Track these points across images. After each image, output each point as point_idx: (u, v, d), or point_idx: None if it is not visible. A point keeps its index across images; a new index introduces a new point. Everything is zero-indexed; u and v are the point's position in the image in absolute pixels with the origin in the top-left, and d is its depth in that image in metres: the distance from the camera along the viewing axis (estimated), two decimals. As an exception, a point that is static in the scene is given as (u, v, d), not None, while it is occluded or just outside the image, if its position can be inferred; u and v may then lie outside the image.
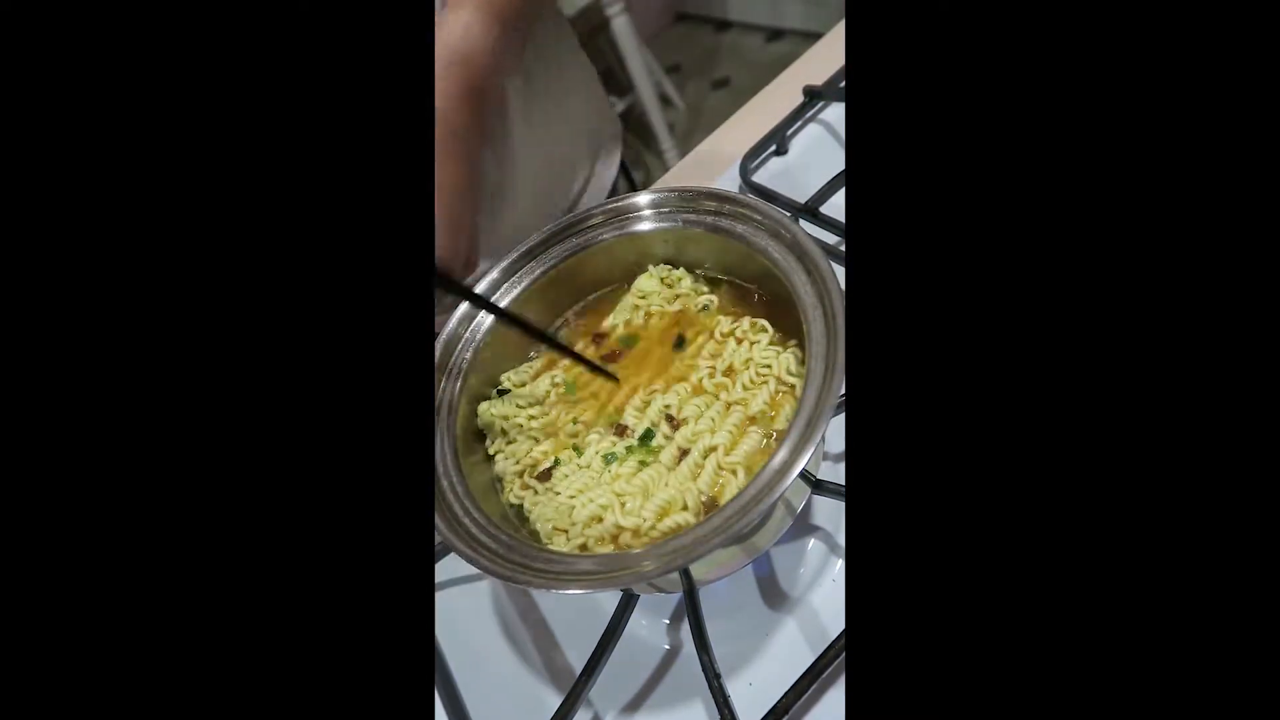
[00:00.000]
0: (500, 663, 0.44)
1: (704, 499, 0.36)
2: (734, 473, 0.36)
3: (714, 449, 0.36)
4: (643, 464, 0.37)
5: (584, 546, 0.36)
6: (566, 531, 0.36)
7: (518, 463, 0.40)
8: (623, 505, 0.36)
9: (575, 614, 0.44)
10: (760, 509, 0.31)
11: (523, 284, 0.43)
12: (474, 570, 0.33)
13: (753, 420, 0.37)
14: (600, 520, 0.36)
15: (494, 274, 0.43)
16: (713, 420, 0.37)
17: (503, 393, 0.42)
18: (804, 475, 0.32)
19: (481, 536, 0.34)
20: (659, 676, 0.41)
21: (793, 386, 0.37)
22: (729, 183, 0.59)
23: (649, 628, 0.42)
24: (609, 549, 0.35)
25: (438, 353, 0.41)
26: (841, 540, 0.42)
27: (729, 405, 0.38)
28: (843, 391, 0.33)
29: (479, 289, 0.43)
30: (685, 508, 0.35)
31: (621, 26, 1.75)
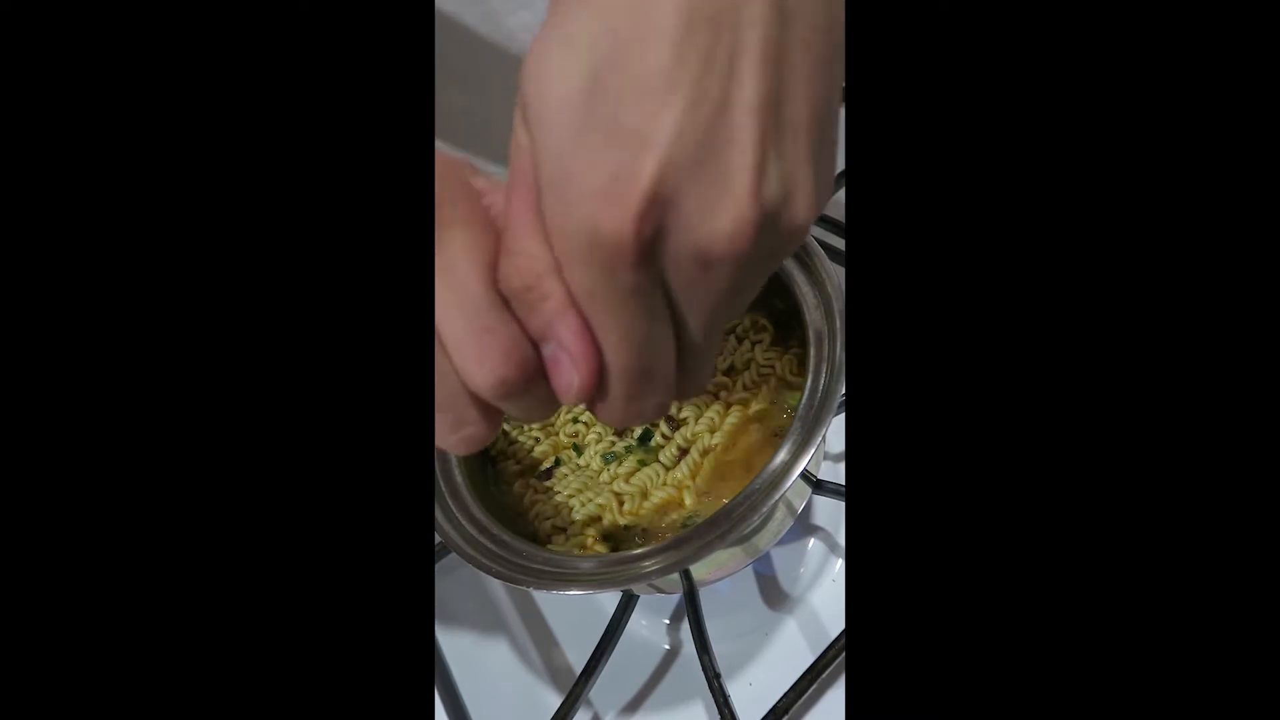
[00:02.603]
0: (500, 663, 0.43)
1: (703, 497, 0.36)
2: (732, 470, 0.36)
3: (713, 448, 0.36)
4: (642, 463, 0.37)
5: (582, 546, 0.36)
6: (565, 530, 0.36)
7: (518, 463, 0.40)
8: (621, 505, 0.36)
9: (575, 614, 0.44)
10: (762, 510, 0.31)
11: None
12: (474, 570, 0.33)
13: (752, 420, 0.37)
14: (599, 520, 0.36)
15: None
16: (712, 420, 0.37)
17: None
18: (805, 476, 0.32)
19: (481, 537, 0.34)
20: (659, 676, 0.41)
21: (794, 386, 0.37)
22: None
23: (649, 628, 0.42)
24: (606, 548, 0.36)
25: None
26: (842, 540, 0.42)
27: (729, 405, 0.38)
28: (843, 392, 0.33)
29: None
30: (683, 505, 0.35)
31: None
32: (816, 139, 0.19)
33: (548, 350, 0.21)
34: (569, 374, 0.21)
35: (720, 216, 0.18)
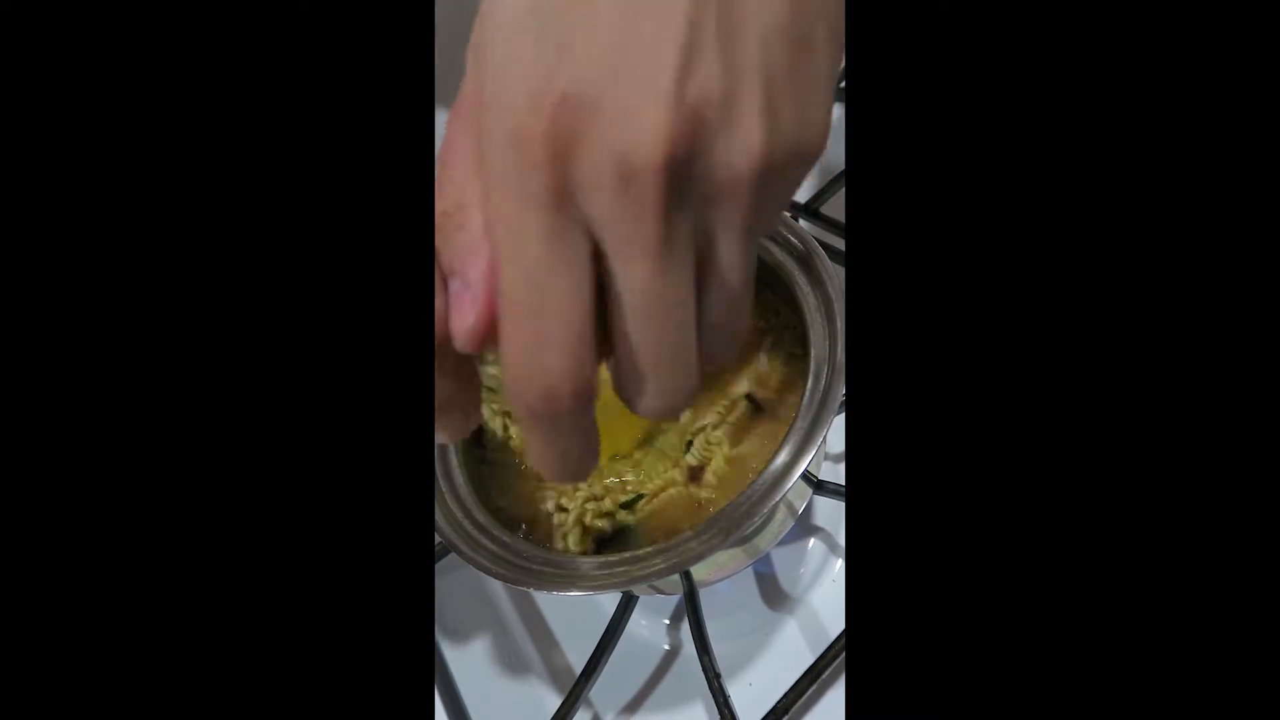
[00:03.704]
0: (500, 663, 0.44)
1: (691, 468, 0.36)
2: (720, 445, 0.36)
3: (704, 428, 0.37)
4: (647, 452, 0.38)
5: (581, 524, 0.36)
6: (567, 510, 0.37)
7: (517, 457, 0.40)
8: (624, 486, 0.37)
9: (575, 614, 0.44)
10: (762, 511, 0.31)
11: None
12: (474, 570, 0.33)
13: (741, 408, 0.38)
14: (600, 499, 0.36)
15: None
16: (709, 420, 0.38)
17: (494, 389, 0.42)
18: (805, 476, 0.32)
19: (482, 537, 0.35)
20: (659, 677, 0.41)
21: (790, 381, 0.38)
22: (729, 183, 0.59)
23: (649, 628, 0.42)
24: (605, 525, 0.36)
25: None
26: (841, 540, 0.42)
27: (721, 402, 0.38)
28: (843, 392, 0.33)
29: None
30: (676, 484, 0.36)
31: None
32: (779, 48, 0.17)
33: (453, 287, 0.19)
34: (465, 314, 0.19)
35: (638, 117, 0.16)
